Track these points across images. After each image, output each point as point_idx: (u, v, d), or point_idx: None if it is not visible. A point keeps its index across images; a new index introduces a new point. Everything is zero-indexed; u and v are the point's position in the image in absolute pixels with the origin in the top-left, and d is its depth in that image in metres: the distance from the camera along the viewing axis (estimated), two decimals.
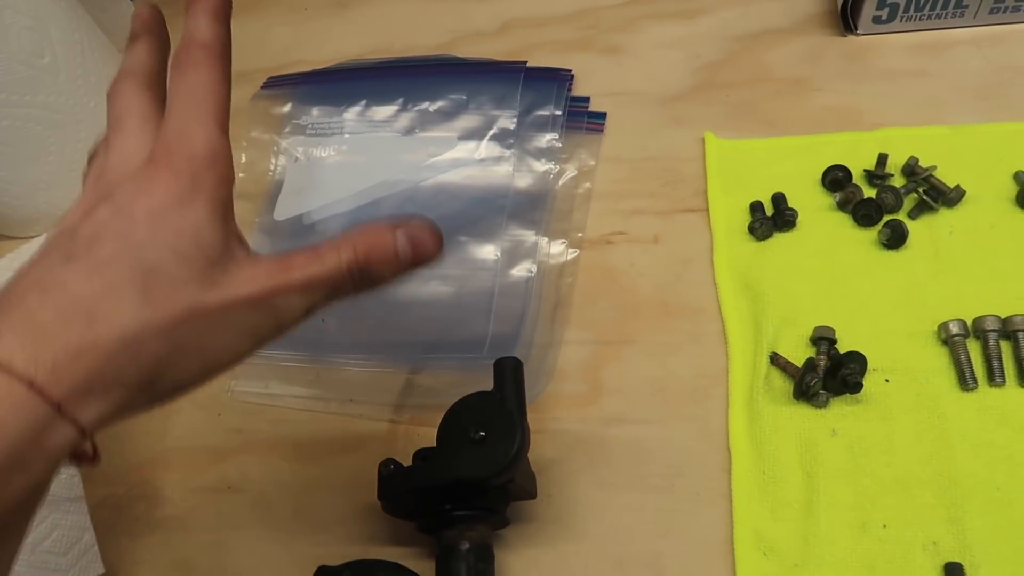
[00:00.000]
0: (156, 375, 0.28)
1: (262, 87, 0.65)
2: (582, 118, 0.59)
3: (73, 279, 0.27)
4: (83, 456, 0.29)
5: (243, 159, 0.62)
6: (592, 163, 0.57)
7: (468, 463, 0.40)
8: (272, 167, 0.61)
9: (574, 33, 0.64)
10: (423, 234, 0.32)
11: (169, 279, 0.28)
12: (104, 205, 0.28)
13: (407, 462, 0.44)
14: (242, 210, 0.59)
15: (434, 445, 0.42)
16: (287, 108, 0.63)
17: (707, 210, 0.53)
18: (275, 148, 0.62)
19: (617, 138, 0.58)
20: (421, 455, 0.44)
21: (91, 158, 0.33)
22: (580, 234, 0.54)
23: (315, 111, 0.62)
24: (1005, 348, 0.45)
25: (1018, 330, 0.45)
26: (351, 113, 0.61)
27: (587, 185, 0.56)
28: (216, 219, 0.29)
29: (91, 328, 0.26)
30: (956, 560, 0.40)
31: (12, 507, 0.25)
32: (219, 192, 0.30)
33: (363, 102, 0.61)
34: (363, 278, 0.31)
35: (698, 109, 0.58)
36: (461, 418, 0.42)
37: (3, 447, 0.24)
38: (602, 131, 0.58)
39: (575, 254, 0.54)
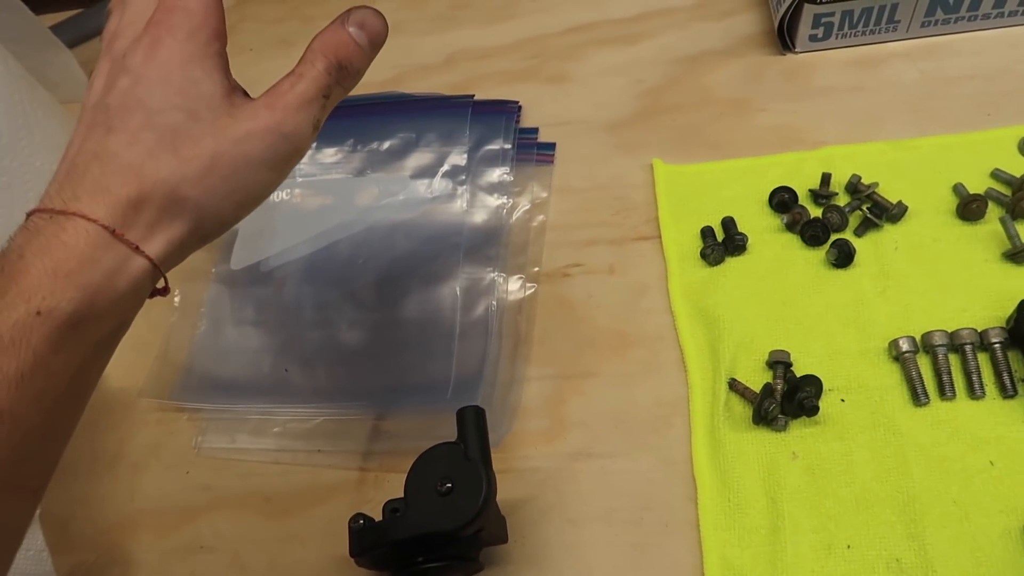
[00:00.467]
0: (199, 215, 0.34)
1: None
2: (532, 150, 0.59)
3: (119, 148, 0.33)
4: (157, 291, 0.35)
5: None
6: (544, 195, 0.58)
7: (436, 516, 0.40)
8: None
9: (519, 63, 0.65)
10: (366, 16, 0.37)
11: (188, 135, 0.33)
12: (123, 76, 0.34)
13: (379, 510, 0.44)
14: (197, 261, 0.59)
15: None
16: None
17: (659, 237, 0.54)
18: None
19: (567, 168, 0.59)
20: (391, 507, 0.44)
21: (108, 15, 0.38)
22: (537, 268, 0.55)
23: None
24: (954, 361, 0.47)
25: (965, 344, 0.46)
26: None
27: (541, 218, 0.57)
28: (214, 72, 0.35)
29: (142, 185, 0.32)
30: None
31: (107, 335, 0.33)
32: (213, 47, 0.35)
33: (312, 144, 0.61)
34: (342, 74, 0.36)
35: (644, 135, 0.59)
36: (427, 470, 0.42)
37: (101, 279, 0.31)
38: (552, 162, 0.59)
39: (533, 289, 0.54)
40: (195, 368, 0.55)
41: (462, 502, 0.40)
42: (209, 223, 0.35)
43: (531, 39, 0.66)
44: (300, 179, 0.61)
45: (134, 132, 0.33)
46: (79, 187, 0.32)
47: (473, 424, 0.43)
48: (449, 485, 0.41)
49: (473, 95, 0.62)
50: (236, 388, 0.54)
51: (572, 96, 0.62)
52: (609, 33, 0.65)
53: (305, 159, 0.61)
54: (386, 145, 0.60)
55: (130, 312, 0.34)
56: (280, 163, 0.36)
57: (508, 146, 0.58)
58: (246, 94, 0.36)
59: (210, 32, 0.35)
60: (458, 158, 0.59)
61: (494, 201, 0.57)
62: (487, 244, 0.56)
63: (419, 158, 0.59)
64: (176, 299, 0.57)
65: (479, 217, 0.57)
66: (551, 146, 0.60)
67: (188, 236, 0.34)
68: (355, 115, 0.62)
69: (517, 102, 0.61)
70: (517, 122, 0.60)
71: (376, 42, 0.38)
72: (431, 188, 0.58)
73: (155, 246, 0.33)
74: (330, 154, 0.61)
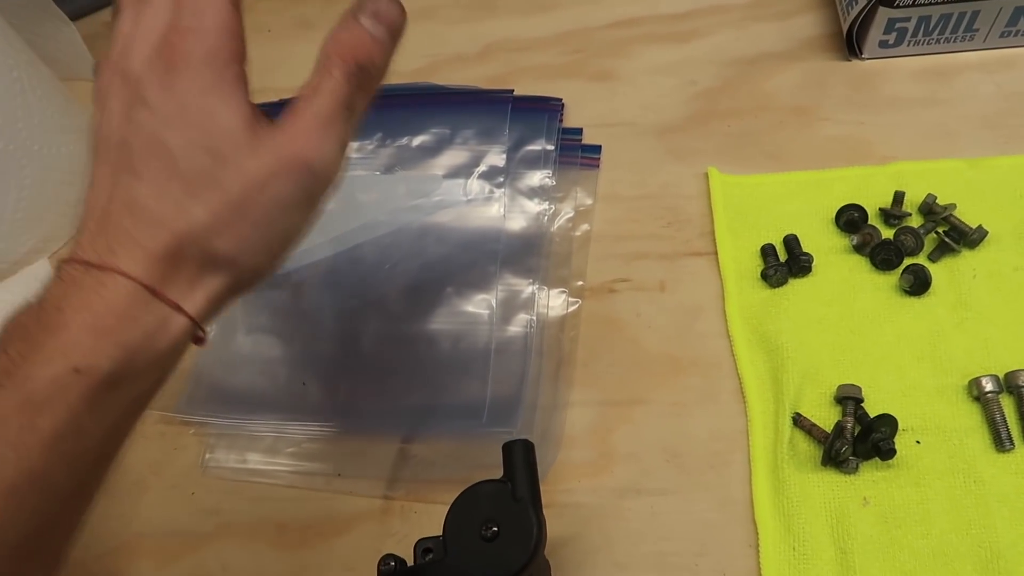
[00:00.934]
0: (235, 267, 0.32)
1: None
2: (576, 152, 0.55)
3: (148, 200, 0.30)
4: (197, 339, 0.33)
5: None
6: (589, 202, 0.53)
7: (480, 563, 0.36)
8: None
9: (561, 57, 0.60)
10: (379, 3, 0.33)
11: (213, 181, 0.30)
12: (142, 109, 0.31)
13: (405, 543, 0.40)
14: None
15: (435, 530, 0.38)
16: None
17: (715, 253, 0.50)
18: None
19: (613, 174, 0.54)
20: (424, 547, 0.40)
21: (118, 11, 0.33)
22: (580, 282, 0.50)
23: None
24: None
25: None
26: None
27: (585, 227, 0.52)
28: (232, 100, 0.31)
29: (175, 240, 0.30)
30: None
31: (143, 394, 0.31)
32: (231, 70, 0.31)
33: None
34: (364, 77, 0.32)
35: (697, 141, 0.55)
36: (469, 511, 0.37)
37: (140, 338, 0.30)
38: (598, 166, 0.55)
39: (576, 305, 0.50)
40: (203, 378, 0.50)
41: (510, 549, 0.36)
42: (247, 275, 0.33)
43: (574, 32, 0.61)
44: None
45: (161, 183, 0.31)
46: (114, 240, 0.30)
47: (522, 461, 0.38)
48: (495, 529, 0.36)
49: (512, 90, 0.57)
50: (248, 401, 0.49)
51: (619, 95, 0.58)
52: (658, 29, 0.60)
53: None
54: (417, 141, 0.56)
55: (168, 370, 0.32)
56: (311, 200, 0.33)
57: (551, 147, 0.54)
58: (266, 115, 0.32)
59: (227, 55, 0.31)
60: (496, 158, 0.54)
61: (534, 207, 0.53)
62: (526, 253, 0.51)
63: (454, 156, 0.55)
64: None
65: (518, 223, 0.52)
66: (597, 149, 0.55)
67: (226, 290, 0.32)
68: (384, 107, 0.56)
69: (560, 99, 0.57)
70: (560, 121, 0.56)
71: (396, 32, 0.33)
72: (466, 189, 0.54)
73: (195, 303, 0.31)
74: (354, 148, 0.56)
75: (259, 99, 0.64)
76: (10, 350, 0.29)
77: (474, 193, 0.54)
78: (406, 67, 0.61)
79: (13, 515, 0.28)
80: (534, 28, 0.62)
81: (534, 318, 0.49)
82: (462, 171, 0.54)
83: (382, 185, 0.55)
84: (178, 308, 0.31)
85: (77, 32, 0.62)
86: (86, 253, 0.30)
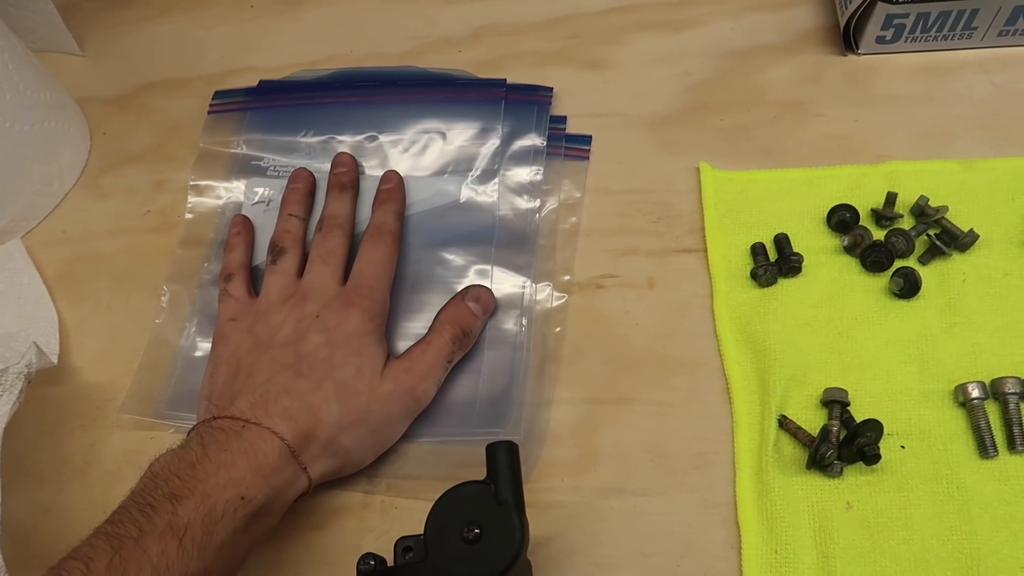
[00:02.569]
0: (347, 456, 0.43)
1: (210, 110, 0.57)
2: (560, 141, 0.54)
3: (305, 392, 0.42)
4: (305, 493, 0.42)
5: (189, 201, 0.55)
6: (578, 195, 0.52)
7: (461, 565, 0.36)
8: (222, 209, 0.54)
9: (553, 43, 0.59)
10: (480, 292, 0.48)
11: (353, 390, 0.42)
12: (317, 334, 0.44)
13: (384, 540, 0.40)
14: (186, 258, 0.53)
15: (415, 528, 0.38)
16: (241, 147, 0.56)
17: (704, 251, 0.49)
18: (225, 189, 0.55)
19: (603, 166, 0.53)
20: (404, 546, 0.39)
21: (277, 255, 0.49)
22: (568, 277, 0.50)
23: (273, 145, 0.55)
24: None
25: None
26: (313, 143, 0.54)
27: (573, 220, 0.52)
28: (380, 342, 0.45)
29: (317, 422, 0.41)
30: None
31: (262, 529, 0.39)
32: (383, 324, 0.46)
33: (326, 136, 0.55)
34: (465, 340, 0.46)
35: (690, 134, 0.54)
36: (451, 512, 0.37)
37: (281, 485, 0.39)
38: (587, 158, 0.54)
39: (563, 300, 0.49)
40: (181, 377, 0.49)
41: (492, 552, 0.36)
42: (351, 465, 0.43)
43: (567, 17, 0.60)
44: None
45: (319, 381, 0.42)
46: (272, 410, 0.40)
47: (506, 463, 0.38)
48: (477, 531, 0.36)
49: (505, 80, 0.55)
50: None
51: (611, 85, 0.57)
52: (654, 16, 0.59)
53: (319, 153, 0.55)
54: (408, 138, 0.54)
55: (282, 513, 0.41)
56: (410, 417, 0.45)
57: (541, 142, 0.53)
58: (388, 353, 0.45)
59: (385, 315, 0.46)
60: (489, 155, 0.53)
61: (524, 204, 0.52)
62: (518, 251, 0.50)
63: (445, 155, 0.53)
64: (164, 298, 0.51)
65: (509, 220, 0.51)
66: (587, 139, 0.54)
67: (334, 470, 0.42)
68: (373, 101, 0.56)
69: (551, 88, 0.55)
70: (549, 111, 0.55)
71: (488, 312, 0.48)
72: (458, 188, 0.52)
73: (315, 471, 0.41)
74: (345, 146, 0.54)
75: (239, 78, 0.62)
76: (181, 474, 0.37)
77: (466, 192, 0.52)
78: (394, 49, 0.60)
79: None
80: (526, 12, 0.60)
81: (524, 317, 0.48)
82: (454, 169, 0.53)
83: (373, 185, 0.53)
84: (305, 470, 0.40)
85: (51, 2, 0.60)
86: (245, 414, 0.40)
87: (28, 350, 0.45)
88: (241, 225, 0.52)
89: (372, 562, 0.39)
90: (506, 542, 0.36)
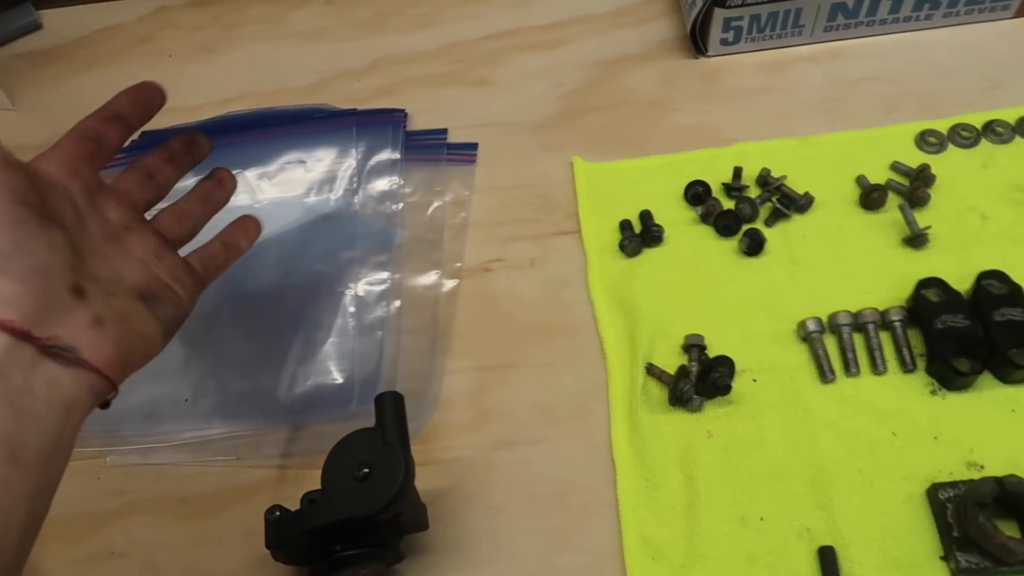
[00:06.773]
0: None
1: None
2: (442, 150, 0.60)
3: None
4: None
5: None
6: (467, 193, 0.58)
7: (354, 501, 0.40)
8: None
9: (443, 67, 0.66)
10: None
11: None
12: None
13: (297, 507, 0.43)
14: None
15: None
16: None
17: (579, 232, 0.55)
18: None
19: (490, 168, 0.60)
20: (309, 498, 0.43)
21: None
22: (459, 264, 0.55)
23: None
24: (858, 340, 0.49)
25: (868, 322, 0.48)
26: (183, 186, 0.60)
27: (463, 215, 0.57)
28: None
29: None
30: (828, 543, 0.43)
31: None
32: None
33: (197, 178, 0.60)
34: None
35: (565, 135, 0.60)
36: (344, 457, 0.41)
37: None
38: (474, 162, 0.60)
39: (454, 284, 0.54)
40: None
41: (380, 486, 0.40)
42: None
43: (455, 44, 0.67)
44: None
45: None
46: None
47: (391, 410, 0.42)
48: (367, 470, 0.40)
49: (356, 109, 0.63)
50: (139, 417, 0.52)
51: (495, 99, 0.63)
52: (530, 39, 0.66)
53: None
54: (275, 168, 0.60)
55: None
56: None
57: (397, 155, 0.59)
58: None
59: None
60: (348, 174, 0.59)
61: (385, 209, 0.58)
62: (380, 251, 0.56)
63: (308, 179, 0.60)
64: None
65: (370, 225, 0.57)
66: (473, 146, 0.60)
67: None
68: (242, 144, 0.61)
69: (403, 110, 0.62)
70: (404, 127, 0.61)
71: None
72: (323, 203, 0.58)
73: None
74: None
75: (160, 118, 0.67)
76: None
77: (331, 206, 0.58)
78: (300, 82, 0.66)
79: None
80: (419, 42, 0.67)
81: (388, 307, 0.53)
82: (319, 190, 0.59)
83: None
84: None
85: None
86: None
87: None
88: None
89: (278, 512, 0.43)
90: (392, 476, 0.40)
